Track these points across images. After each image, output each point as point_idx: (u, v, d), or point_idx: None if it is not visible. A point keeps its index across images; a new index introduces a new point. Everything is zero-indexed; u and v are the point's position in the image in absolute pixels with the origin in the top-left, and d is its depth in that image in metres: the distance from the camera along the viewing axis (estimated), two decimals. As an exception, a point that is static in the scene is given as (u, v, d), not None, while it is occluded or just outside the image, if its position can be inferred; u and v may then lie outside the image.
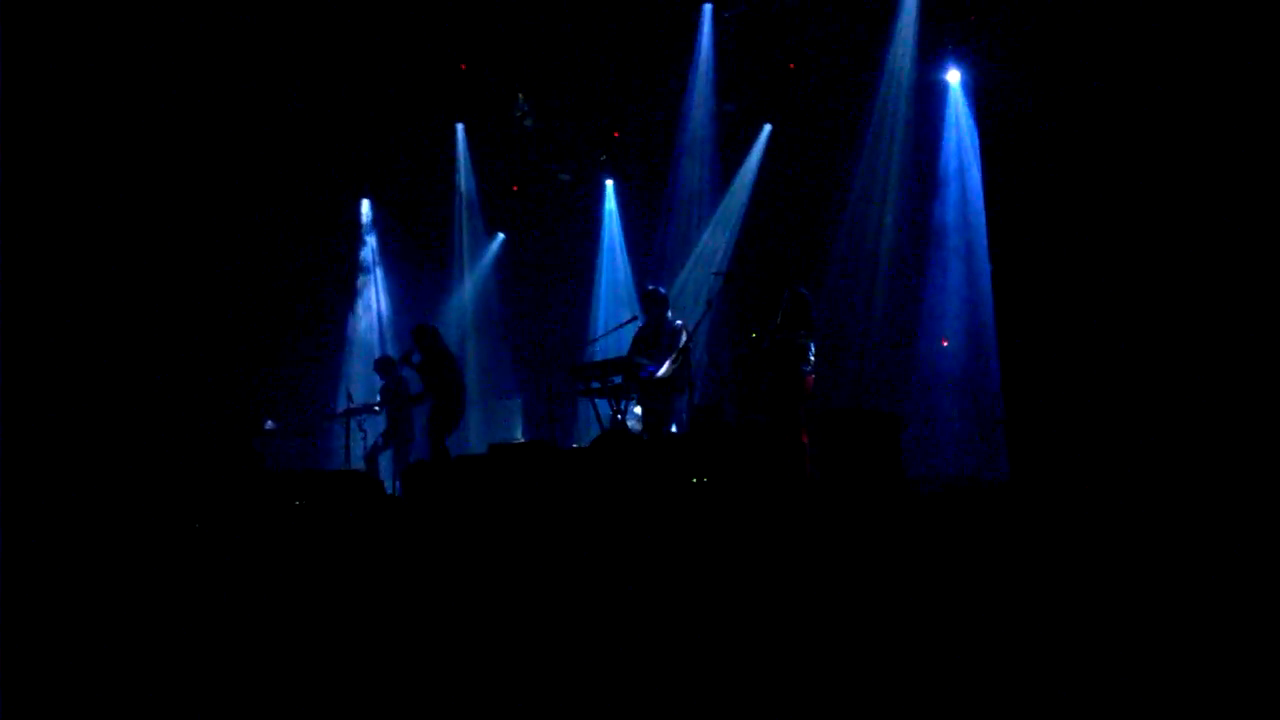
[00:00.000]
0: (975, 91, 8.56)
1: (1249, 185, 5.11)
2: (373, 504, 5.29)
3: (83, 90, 8.74)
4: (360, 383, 11.24)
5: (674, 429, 7.62)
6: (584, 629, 3.31)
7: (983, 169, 7.50)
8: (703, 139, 10.44)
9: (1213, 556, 3.25)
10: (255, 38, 9.70)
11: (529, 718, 2.75)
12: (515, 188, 12.04)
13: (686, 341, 7.46)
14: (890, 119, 9.21)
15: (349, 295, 12.48)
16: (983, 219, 7.69)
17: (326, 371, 11.93)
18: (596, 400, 8.00)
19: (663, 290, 8.19)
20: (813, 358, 6.94)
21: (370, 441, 9.90)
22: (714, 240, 10.49)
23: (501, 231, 12.39)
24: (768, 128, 10.23)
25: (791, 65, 9.66)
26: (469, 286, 12.33)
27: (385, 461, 9.85)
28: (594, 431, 8.24)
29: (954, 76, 8.92)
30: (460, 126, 11.87)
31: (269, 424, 11.31)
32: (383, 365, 9.89)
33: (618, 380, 7.63)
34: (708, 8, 10.03)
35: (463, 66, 10.79)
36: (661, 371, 7.48)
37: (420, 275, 12.38)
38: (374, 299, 12.55)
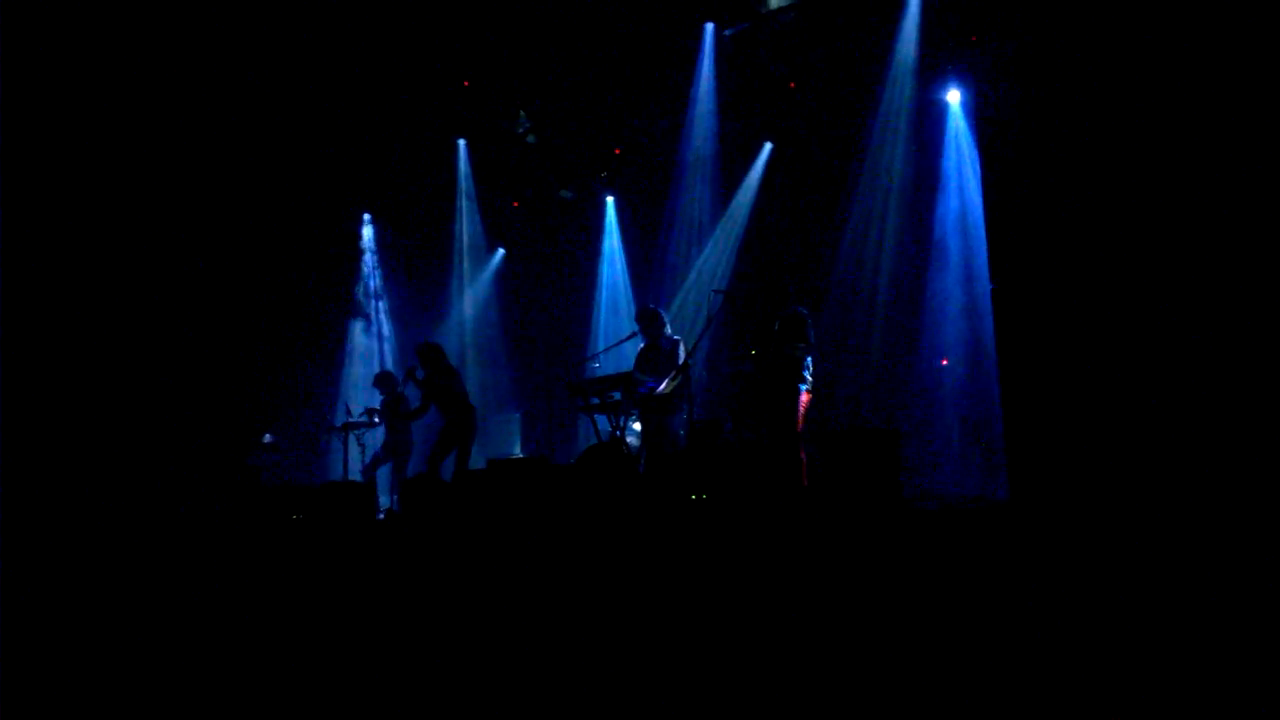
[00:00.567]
0: (975, 112, 8.59)
1: (1250, 207, 5.13)
2: (366, 516, 5.27)
3: (85, 102, 8.78)
4: (359, 397, 11.23)
5: (674, 446, 7.60)
6: (577, 639, 3.29)
7: (983, 189, 7.51)
8: (703, 157, 10.49)
9: (1211, 574, 3.23)
10: (259, 52, 9.76)
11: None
12: (516, 204, 12.09)
13: (686, 358, 7.46)
14: (890, 138, 9.25)
15: (348, 309, 12.50)
16: (983, 238, 7.70)
17: (325, 385, 11.94)
18: (596, 416, 7.99)
19: (656, 308, 8.21)
20: (810, 375, 6.94)
21: (369, 455, 9.89)
22: (714, 257, 10.51)
23: (502, 247, 12.42)
24: (768, 146, 10.28)
25: (792, 84, 9.71)
26: (469, 302, 12.35)
27: (384, 476, 9.83)
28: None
29: (954, 97, 8.96)
30: (462, 142, 11.94)
31: (267, 437, 11.31)
32: (383, 381, 9.89)
33: (617, 396, 7.62)
34: (709, 26, 10.09)
35: (465, 83, 10.85)
36: (661, 388, 7.48)
37: (420, 290, 12.42)
38: (373, 313, 12.57)
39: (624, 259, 11.63)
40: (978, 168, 8.23)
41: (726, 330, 9.56)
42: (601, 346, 9.85)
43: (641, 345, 8.06)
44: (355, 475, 9.54)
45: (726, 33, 10.04)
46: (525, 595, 3.84)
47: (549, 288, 12.13)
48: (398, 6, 9.85)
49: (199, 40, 9.33)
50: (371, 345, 12.53)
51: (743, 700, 2.78)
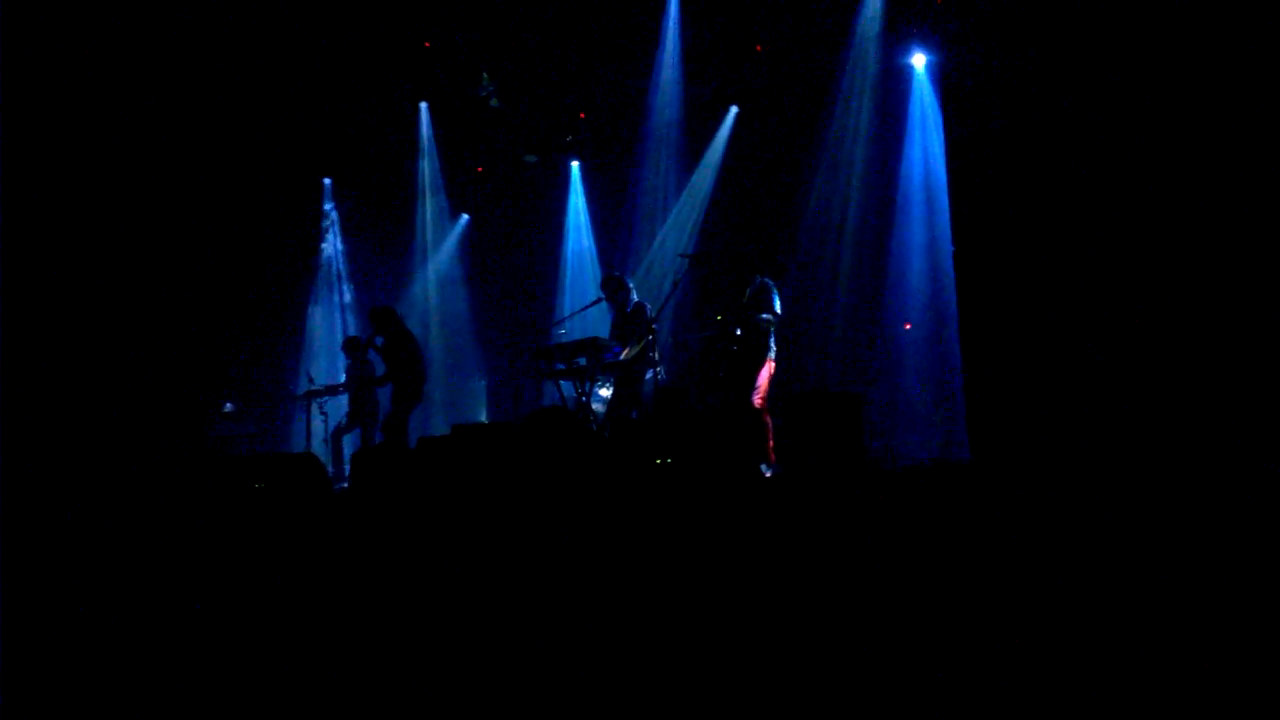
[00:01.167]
0: (940, 75, 8.58)
1: (1207, 171, 5.18)
2: (318, 488, 5.20)
3: (31, 60, 8.48)
4: (321, 364, 11.09)
5: (640, 411, 7.60)
6: (536, 605, 3.29)
7: (946, 153, 7.53)
8: (669, 121, 10.39)
9: (1168, 530, 3.30)
10: (215, 13, 9.48)
11: (475, 698, 2.72)
12: (480, 169, 11.92)
13: (651, 323, 7.43)
14: (856, 101, 9.22)
15: (310, 276, 12.31)
16: (945, 203, 7.73)
17: (287, 353, 11.77)
18: (561, 382, 7.96)
19: (618, 274, 8.18)
20: (774, 343, 6.95)
21: (332, 424, 9.80)
22: (679, 223, 10.46)
23: (465, 213, 12.27)
24: (734, 110, 10.20)
25: (759, 47, 9.63)
26: (432, 268, 12.21)
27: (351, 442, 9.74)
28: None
29: (919, 60, 8.94)
30: (424, 106, 11.72)
31: (228, 406, 11.17)
32: (350, 346, 9.77)
33: (582, 362, 7.59)
34: (674, -12, 9.98)
35: (426, 44, 10.63)
36: (626, 354, 7.46)
37: (383, 256, 12.25)
38: (335, 279, 12.38)
39: (589, 224, 11.54)
40: (941, 133, 8.24)
41: (693, 296, 9.54)
42: (567, 312, 9.79)
43: (611, 316, 8.05)
44: (318, 444, 9.46)
45: (692, -7, 9.93)
46: (484, 561, 3.83)
47: (514, 254, 12.00)
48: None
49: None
50: (333, 312, 12.37)
51: (703, 667, 2.79)
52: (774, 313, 6.93)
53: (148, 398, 9.76)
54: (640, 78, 10.39)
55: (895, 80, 9.09)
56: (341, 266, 12.47)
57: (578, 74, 10.55)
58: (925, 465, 6.19)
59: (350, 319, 12.25)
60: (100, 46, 8.96)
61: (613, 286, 7.97)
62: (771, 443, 6.70)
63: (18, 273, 8.41)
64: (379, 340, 8.54)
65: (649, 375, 7.56)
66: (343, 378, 9.89)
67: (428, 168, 11.92)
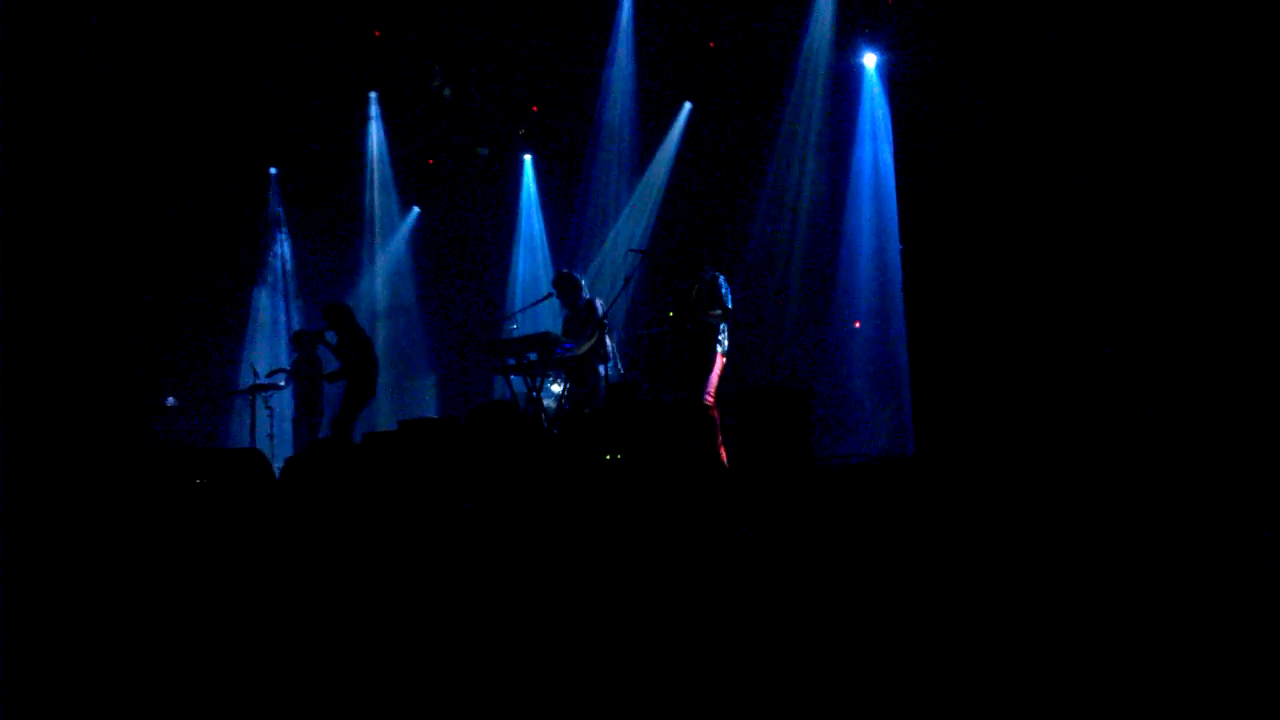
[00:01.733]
0: (889, 75, 8.67)
1: (1158, 162, 5.27)
2: (261, 485, 5.11)
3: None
4: (264, 358, 10.87)
5: (591, 406, 7.57)
6: (484, 596, 3.26)
7: (895, 152, 7.60)
8: (621, 115, 10.36)
9: (1112, 521, 3.37)
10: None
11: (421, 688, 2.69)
12: (431, 161, 11.77)
13: (602, 317, 7.41)
14: (808, 99, 9.28)
15: (254, 267, 12.06)
16: (894, 201, 7.82)
17: (229, 347, 11.54)
18: (512, 377, 7.90)
19: (568, 271, 8.15)
20: (724, 339, 6.98)
21: (278, 418, 9.62)
22: (633, 218, 10.44)
23: (416, 206, 12.11)
24: (688, 105, 10.21)
25: (711, 44, 9.65)
26: (381, 261, 12.03)
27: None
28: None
29: (870, 60, 9.03)
30: (374, 95, 11.54)
31: (170, 400, 10.91)
32: (299, 339, 9.56)
33: (533, 357, 7.54)
34: (628, -18, 9.95)
35: (376, 33, 10.46)
36: (577, 349, 7.44)
37: (329, 248, 12.04)
38: (280, 271, 12.15)
39: (541, 219, 11.47)
40: (890, 132, 8.32)
41: (644, 291, 9.54)
42: (519, 307, 9.73)
43: (564, 312, 8.01)
44: (262, 439, 9.28)
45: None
46: (428, 557, 3.78)
47: (465, 248, 11.88)
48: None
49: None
50: (278, 304, 12.14)
51: (646, 659, 2.79)
52: (725, 308, 6.95)
53: (87, 392, 9.50)
54: (592, 69, 10.34)
55: (846, 79, 9.17)
56: (288, 256, 12.24)
57: (531, 66, 10.46)
58: (872, 461, 6.27)
59: (294, 312, 12.03)
60: (41, 32, 8.67)
61: (565, 283, 7.94)
62: (720, 438, 6.73)
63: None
64: (330, 336, 8.39)
65: (601, 371, 7.55)
66: (289, 369, 9.68)
67: (375, 157, 11.74)
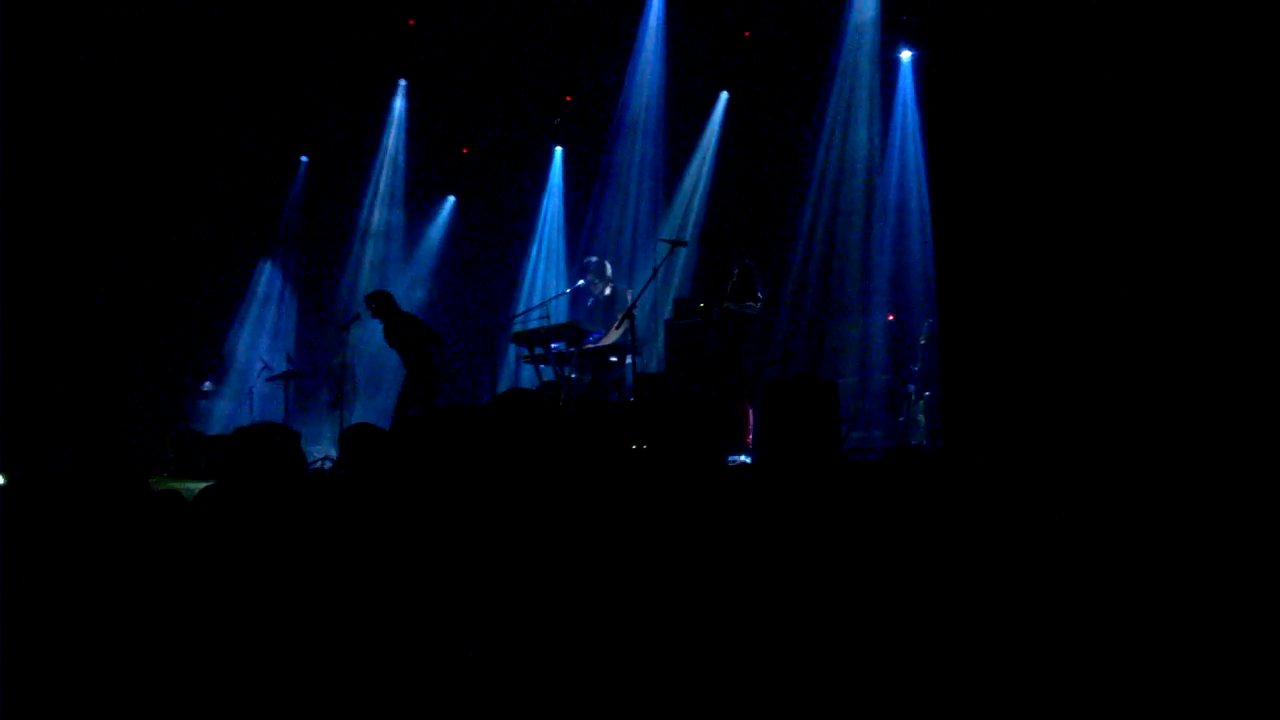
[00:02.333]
0: (921, 69, 8.59)
1: (1185, 161, 5.20)
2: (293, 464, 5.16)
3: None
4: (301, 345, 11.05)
5: (619, 396, 7.60)
6: (509, 586, 3.28)
7: (926, 147, 7.55)
8: (650, 107, 10.31)
9: (1142, 514, 3.33)
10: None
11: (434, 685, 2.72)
12: (465, 150, 11.80)
13: (630, 307, 7.43)
14: (845, 93, 9.20)
15: (282, 256, 12.26)
16: (925, 194, 7.76)
17: (267, 332, 11.72)
18: (540, 366, 7.94)
19: (598, 259, 8.15)
20: (755, 330, 6.95)
21: (310, 404, 9.80)
22: (663, 208, 10.41)
23: (448, 195, 12.16)
24: (725, 95, 10.13)
25: (747, 34, 9.58)
26: (415, 250, 12.12)
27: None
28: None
29: (905, 55, 8.96)
30: (403, 82, 11.56)
31: (206, 385, 11.11)
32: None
33: (561, 346, 7.58)
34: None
35: (410, 22, 10.51)
36: (606, 339, 7.46)
37: (345, 236, 12.13)
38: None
39: (563, 209, 11.45)
40: (920, 126, 8.26)
41: (675, 281, 9.52)
42: (539, 298, 9.76)
43: (590, 300, 8.03)
44: (294, 423, 9.41)
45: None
46: (449, 546, 3.81)
47: (488, 235, 11.88)
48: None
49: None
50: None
51: (674, 654, 2.80)
52: (756, 299, 6.93)
53: (128, 375, 9.75)
54: (624, 63, 10.30)
55: (883, 73, 9.08)
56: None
57: (564, 57, 10.44)
58: (895, 453, 6.21)
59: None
60: (63, 28, 8.84)
61: (591, 270, 7.96)
62: (749, 429, 6.72)
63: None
64: (366, 322, 8.46)
65: (628, 361, 7.56)
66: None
67: (392, 143, 11.74)
